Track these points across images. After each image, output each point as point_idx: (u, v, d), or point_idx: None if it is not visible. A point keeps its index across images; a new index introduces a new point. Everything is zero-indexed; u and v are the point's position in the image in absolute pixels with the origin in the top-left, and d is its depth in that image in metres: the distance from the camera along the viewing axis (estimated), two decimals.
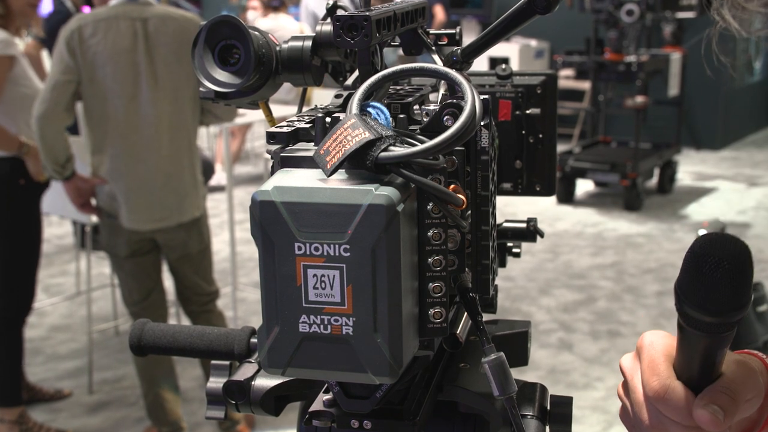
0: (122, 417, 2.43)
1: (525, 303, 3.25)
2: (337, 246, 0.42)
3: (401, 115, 0.51)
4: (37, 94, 2.14)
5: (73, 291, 3.34)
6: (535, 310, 3.18)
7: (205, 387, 0.60)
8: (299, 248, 0.43)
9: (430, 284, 0.47)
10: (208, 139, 5.72)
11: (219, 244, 3.73)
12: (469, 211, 0.53)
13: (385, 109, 0.48)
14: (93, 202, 2.08)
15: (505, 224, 0.72)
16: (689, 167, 5.65)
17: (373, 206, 0.42)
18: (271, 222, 0.43)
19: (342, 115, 0.49)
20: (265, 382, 0.60)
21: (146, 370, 2.14)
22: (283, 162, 0.48)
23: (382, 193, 0.42)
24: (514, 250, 0.73)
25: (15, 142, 2.13)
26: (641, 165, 4.58)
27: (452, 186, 0.49)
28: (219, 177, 4.88)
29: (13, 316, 2.27)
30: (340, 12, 0.51)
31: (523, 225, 0.72)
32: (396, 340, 0.43)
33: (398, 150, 0.43)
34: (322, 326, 0.44)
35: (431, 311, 0.48)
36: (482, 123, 0.53)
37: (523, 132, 0.70)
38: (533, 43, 6.31)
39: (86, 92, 1.96)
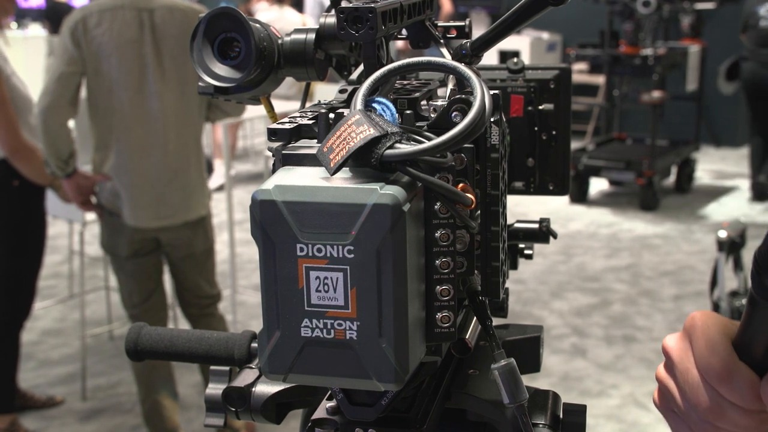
0: (117, 425, 2.40)
1: (536, 307, 3.21)
2: (340, 247, 0.41)
3: (408, 111, 0.49)
4: (21, 96, 2.11)
5: (65, 294, 3.29)
6: (547, 314, 3.14)
7: (204, 393, 0.59)
8: (301, 249, 0.42)
9: (438, 287, 0.46)
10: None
11: (218, 245, 3.63)
12: (479, 211, 0.51)
13: (390, 105, 0.46)
14: (93, 200, 2.04)
15: (517, 225, 0.70)
16: (708, 165, 5.56)
17: (378, 206, 0.40)
18: (272, 222, 0.42)
19: (346, 111, 0.47)
20: (266, 388, 0.58)
21: (144, 376, 2.09)
22: (284, 160, 0.47)
23: (388, 192, 0.41)
24: (526, 251, 0.71)
25: (47, 178, 2.11)
26: (658, 163, 4.51)
27: (461, 185, 0.47)
28: (218, 176, 4.85)
29: (10, 321, 2.24)
30: (344, 3, 0.50)
31: (536, 225, 0.70)
32: (402, 346, 0.42)
33: (404, 147, 0.42)
34: (324, 330, 0.42)
35: (439, 315, 0.46)
36: (492, 119, 0.51)
37: (536, 128, 0.68)
38: (545, 35, 6.24)
39: (91, 84, 1.92)
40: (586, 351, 2.82)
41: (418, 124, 0.49)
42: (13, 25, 5.68)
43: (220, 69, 0.51)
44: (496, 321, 0.66)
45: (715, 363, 0.45)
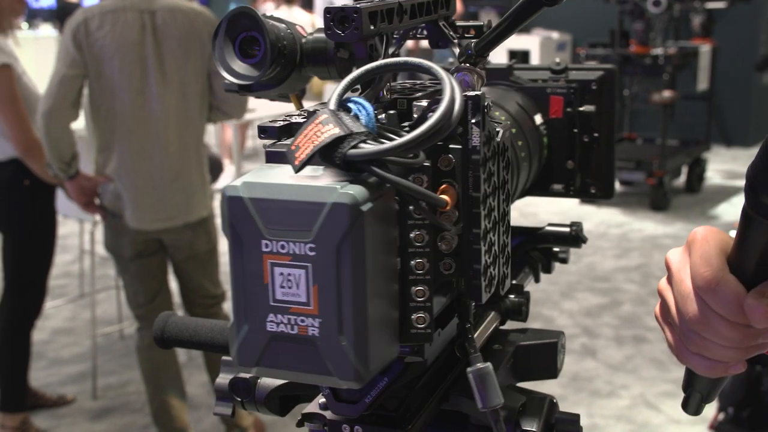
0: (127, 423, 2.41)
1: (546, 307, 3.19)
2: (302, 245, 0.41)
3: (391, 111, 0.49)
4: (32, 95, 2.12)
5: (76, 293, 3.30)
6: (557, 314, 3.12)
7: (211, 393, 0.59)
8: (266, 246, 0.42)
9: (413, 288, 0.46)
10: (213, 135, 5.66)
11: (225, 245, 3.68)
12: (458, 213, 0.51)
13: (367, 105, 0.46)
14: (96, 201, 2.05)
15: (548, 228, 0.70)
16: (719, 165, 5.50)
17: (337, 205, 0.41)
18: (239, 218, 0.42)
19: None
20: (271, 380, 0.58)
21: (152, 376, 2.09)
22: (267, 157, 0.48)
23: (347, 191, 0.41)
24: (560, 255, 0.71)
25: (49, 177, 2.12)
26: (668, 163, 4.47)
27: (443, 185, 0.47)
28: (228, 176, 4.86)
29: (21, 320, 2.25)
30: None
31: (566, 229, 0.69)
32: (362, 344, 0.42)
33: (368, 147, 0.42)
34: (289, 326, 0.43)
35: (414, 316, 0.46)
36: (473, 120, 0.50)
37: (576, 130, 0.67)
38: (555, 35, 6.20)
39: (93, 87, 1.92)
40: (596, 351, 2.80)
41: (403, 124, 0.49)
42: (24, 25, 5.73)
43: (240, 67, 0.52)
44: (514, 324, 0.65)
45: (706, 273, 0.46)
